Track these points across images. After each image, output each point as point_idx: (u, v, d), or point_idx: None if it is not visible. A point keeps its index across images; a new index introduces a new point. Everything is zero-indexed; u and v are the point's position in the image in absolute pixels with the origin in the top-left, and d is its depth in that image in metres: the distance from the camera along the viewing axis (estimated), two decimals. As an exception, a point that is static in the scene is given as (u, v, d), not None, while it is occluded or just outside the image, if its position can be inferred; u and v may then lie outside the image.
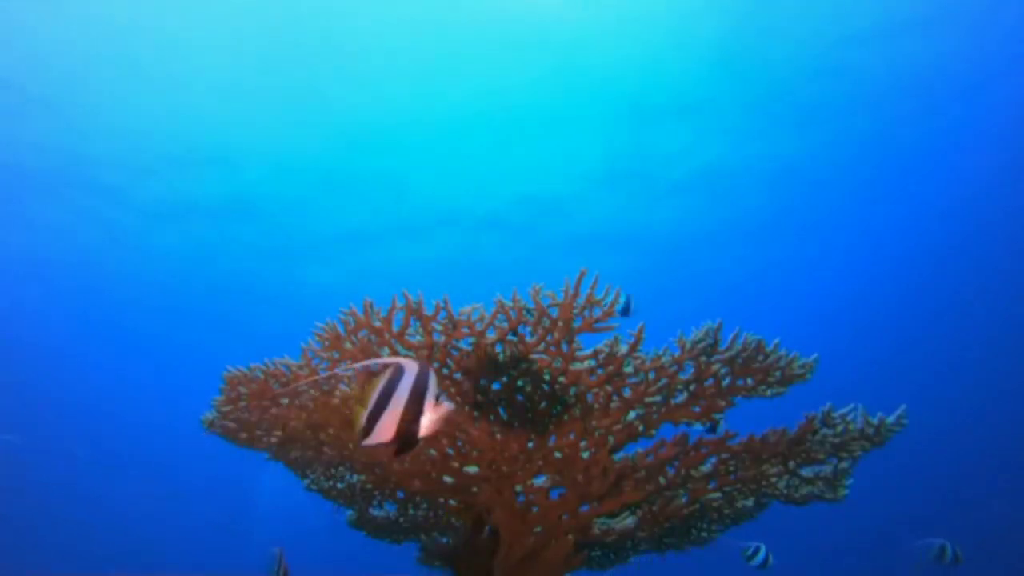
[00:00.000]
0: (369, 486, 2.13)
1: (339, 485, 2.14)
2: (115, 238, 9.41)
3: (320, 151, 8.44)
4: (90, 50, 6.71)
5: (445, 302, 1.55)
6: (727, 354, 1.60)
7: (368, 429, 0.94)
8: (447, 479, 1.81)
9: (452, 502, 1.95)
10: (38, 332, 11.50)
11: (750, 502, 1.88)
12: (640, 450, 1.75)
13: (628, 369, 1.61)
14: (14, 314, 10.81)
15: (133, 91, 7.27)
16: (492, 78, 7.53)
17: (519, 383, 1.63)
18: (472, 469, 1.76)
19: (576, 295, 1.51)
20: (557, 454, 1.72)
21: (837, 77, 7.45)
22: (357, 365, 1.65)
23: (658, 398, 1.65)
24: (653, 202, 9.31)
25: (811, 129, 8.17)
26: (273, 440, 1.96)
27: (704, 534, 2.08)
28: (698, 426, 1.71)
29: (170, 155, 8.14)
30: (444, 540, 2.13)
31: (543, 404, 1.65)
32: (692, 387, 1.65)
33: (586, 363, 1.59)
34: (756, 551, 2.78)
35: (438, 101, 7.84)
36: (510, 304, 1.54)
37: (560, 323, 1.54)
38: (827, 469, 1.76)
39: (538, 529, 1.78)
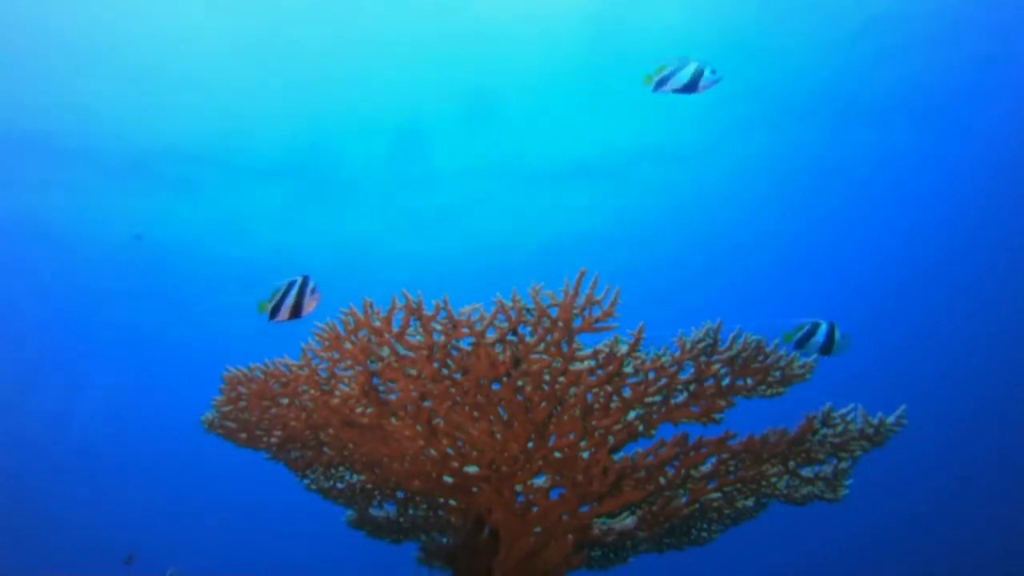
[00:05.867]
0: (369, 486, 2.13)
1: (339, 485, 2.14)
2: (116, 237, 9.41)
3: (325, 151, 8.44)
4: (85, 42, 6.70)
5: (445, 302, 1.56)
6: (727, 354, 1.60)
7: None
8: (447, 479, 1.81)
9: (452, 502, 1.95)
10: (35, 331, 11.50)
11: (750, 502, 1.88)
12: (640, 450, 1.75)
13: (628, 369, 1.61)
14: (10, 313, 10.80)
15: (137, 90, 7.26)
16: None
17: (519, 383, 1.63)
18: (472, 469, 1.76)
19: (576, 295, 1.51)
20: (557, 454, 1.72)
21: (837, 74, 7.46)
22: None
23: (658, 398, 1.66)
24: (651, 200, 9.32)
25: (813, 127, 8.18)
26: (273, 440, 1.96)
27: (704, 534, 2.08)
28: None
29: (170, 153, 8.14)
30: (444, 540, 2.13)
31: (543, 404, 1.65)
32: (692, 387, 1.65)
33: (586, 363, 1.59)
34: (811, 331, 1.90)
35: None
36: (510, 304, 1.54)
37: (560, 323, 1.54)
38: (827, 469, 1.76)
39: (538, 529, 1.78)
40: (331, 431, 1.83)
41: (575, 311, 1.52)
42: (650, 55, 7.11)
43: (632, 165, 8.72)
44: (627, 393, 1.64)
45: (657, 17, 6.68)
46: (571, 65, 7.47)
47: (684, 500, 1.82)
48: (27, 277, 10.04)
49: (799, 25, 6.81)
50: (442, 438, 1.73)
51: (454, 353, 1.62)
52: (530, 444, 1.71)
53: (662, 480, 1.76)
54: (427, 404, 1.70)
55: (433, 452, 1.75)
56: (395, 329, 1.60)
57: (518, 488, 1.80)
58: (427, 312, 1.57)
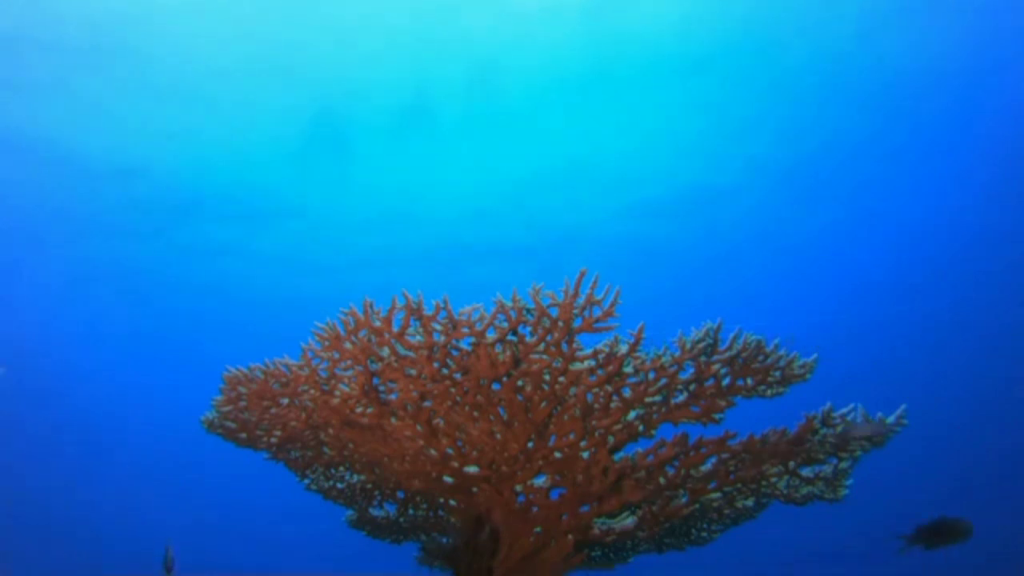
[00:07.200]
0: (369, 486, 2.13)
1: (339, 485, 2.14)
2: (111, 235, 9.40)
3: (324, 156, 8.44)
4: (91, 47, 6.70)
5: (445, 302, 1.56)
6: (727, 354, 1.60)
7: None
8: (447, 479, 1.81)
9: (452, 502, 1.95)
10: (36, 332, 11.49)
11: (750, 502, 1.88)
12: (640, 450, 1.75)
13: (628, 369, 1.61)
14: (14, 313, 10.79)
15: (141, 88, 7.25)
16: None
17: (519, 383, 1.63)
18: (472, 469, 1.76)
19: (576, 295, 1.51)
20: (557, 454, 1.72)
21: (838, 76, 7.46)
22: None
23: (658, 398, 1.65)
24: (650, 202, 9.31)
25: (811, 128, 8.18)
26: (273, 440, 1.96)
27: (704, 534, 2.08)
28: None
29: (173, 156, 8.14)
30: (444, 540, 2.13)
31: (543, 404, 1.65)
32: (692, 387, 1.65)
33: (586, 363, 1.59)
34: None
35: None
36: (510, 304, 1.54)
37: (560, 323, 1.54)
38: (827, 469, 1.76)
39: (538, 529, 1.78)
40: (331, 431, 1.83)
41: (575, 311, 1.52)
42: (648, 43, 7.08)
43: (632, 162, 8.72)
44: (627, 393, 1.64)
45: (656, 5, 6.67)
46: (572, 66, 7.48)
47: (684, 500, 1.81)
48: (29, 275, 10.03)
49: (798, 24, 6.81)
50: (442, 438, 1.73)
51: (454, 353, 1.62)
52: (530, 444, 1.71)
53: (662, 480, 1.76)
54: (427, 404, 1.70)
55: (433, 452, 1.75)
56: (395, 329, 1.60)
57: (518, 488, 1.80)
58: (427, 312, 1.57)
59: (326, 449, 1.95)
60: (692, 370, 1.62)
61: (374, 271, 10.31)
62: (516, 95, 7.85)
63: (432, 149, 8.55)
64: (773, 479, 1.78)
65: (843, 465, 1.75)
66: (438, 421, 1.73)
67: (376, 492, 2.16)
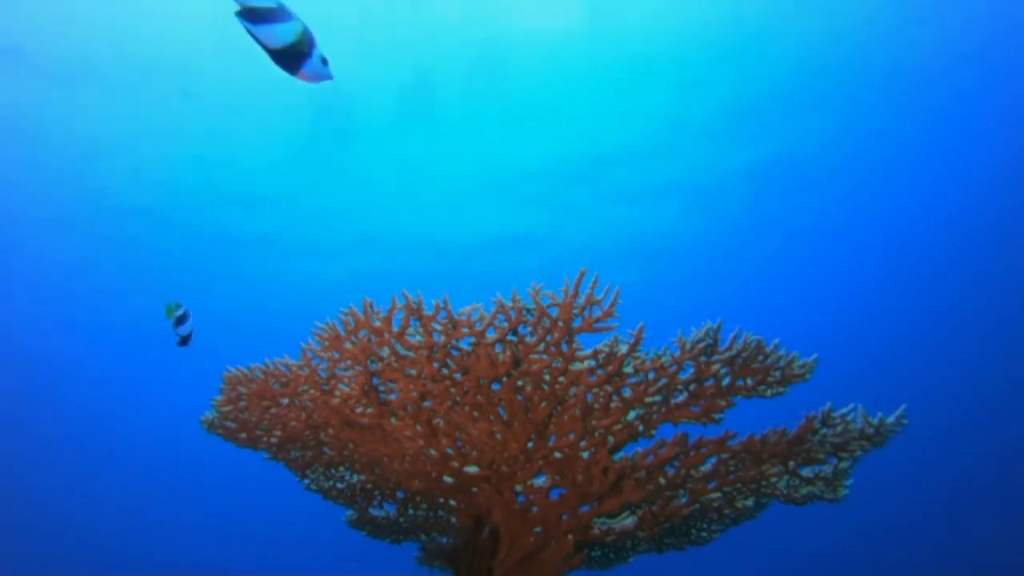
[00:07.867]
0: (369, 486, 2.13)
1: (339, 485, 2.14)
2: (111, 234, 9.40)
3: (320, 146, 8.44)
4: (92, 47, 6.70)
5: (445, 302, 1.56)
6: (727, 354, 1.60)
7: None
8: (447, 479, 1.81)
9: (452, 502, 1.95)
10: (34, 330, 11.49)
11: (750, 502, 1.88)
12: (640, 450, 1.75)
13: (628, 369, 1.61)
14: (9, 312, 10.79)
15: (137, 89, 7.26)
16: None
17: (519, 383, 1.63)
18: (472, 469, 1.77)
19: (576, 295, 1.51)
20: (557, 454, 1.72)
21: (837, 75, 7.46)
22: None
23: (658, 398, 1.65)
24: (649, 204, 9.31)
25: (811, 127, 8.18)
26: (273, 440, 1.96)
27: (704, 534, 2.08)
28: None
29: (170, 151, 8.14)
30: (444, 540, 2.13)
31: (543, 404, 1.65)
32: (692, 387, 1.65)
33: (586, 363, 1.59)
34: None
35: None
36: (510, 304, 1.54)
37: (560, 323, 1.54)
38: (827, 469, 1.76)
39: (538, 529, 1.78)
40: (331, 431, 1.83)
41: (575, 311, 1.52)
42: (648, 33, 7.05)
43: (631, 161, 8.72)
44: (627, 393, 1.64)
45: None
46: (576, 66, 7.48)
47: (684, 500, 1.82)
48: (27, 271, 10.03)
49: (795, 18, 6.81)
50: (442, 438, 1.73)
51: (454, 353, 1.62)
52: (530, 444, 1.71)
53: (662, 480, 1.76)
54: (427, 404, 1.70)
55: (433, 452, 1.75)
56: (395, 329, 1.61)
57: (518, 488, 1.80)
58: (427, 312, 1.57)
59: (326, 449, 1.95)
60: (692, 370, 1.62)
61: (377, 267, 10.31)
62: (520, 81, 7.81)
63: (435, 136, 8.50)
64: (773, 479, 1.78)
65: (843, 465, 1.75)
66: (438, 421, 1.73)
67: (376, 492, 2.16)
